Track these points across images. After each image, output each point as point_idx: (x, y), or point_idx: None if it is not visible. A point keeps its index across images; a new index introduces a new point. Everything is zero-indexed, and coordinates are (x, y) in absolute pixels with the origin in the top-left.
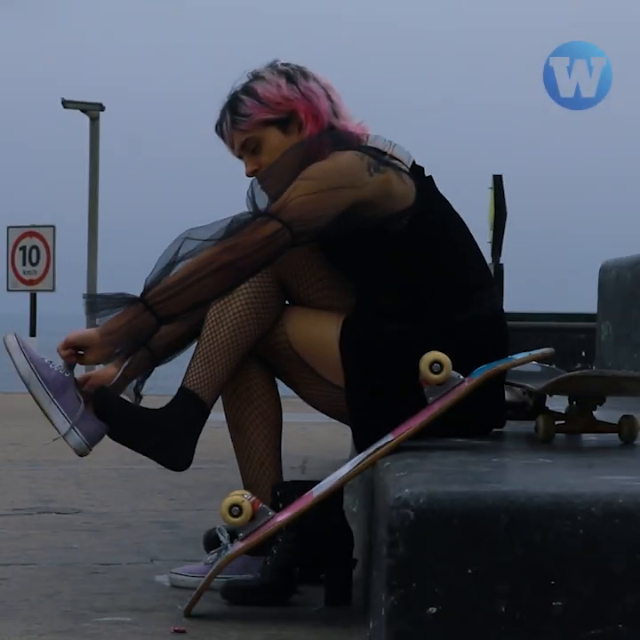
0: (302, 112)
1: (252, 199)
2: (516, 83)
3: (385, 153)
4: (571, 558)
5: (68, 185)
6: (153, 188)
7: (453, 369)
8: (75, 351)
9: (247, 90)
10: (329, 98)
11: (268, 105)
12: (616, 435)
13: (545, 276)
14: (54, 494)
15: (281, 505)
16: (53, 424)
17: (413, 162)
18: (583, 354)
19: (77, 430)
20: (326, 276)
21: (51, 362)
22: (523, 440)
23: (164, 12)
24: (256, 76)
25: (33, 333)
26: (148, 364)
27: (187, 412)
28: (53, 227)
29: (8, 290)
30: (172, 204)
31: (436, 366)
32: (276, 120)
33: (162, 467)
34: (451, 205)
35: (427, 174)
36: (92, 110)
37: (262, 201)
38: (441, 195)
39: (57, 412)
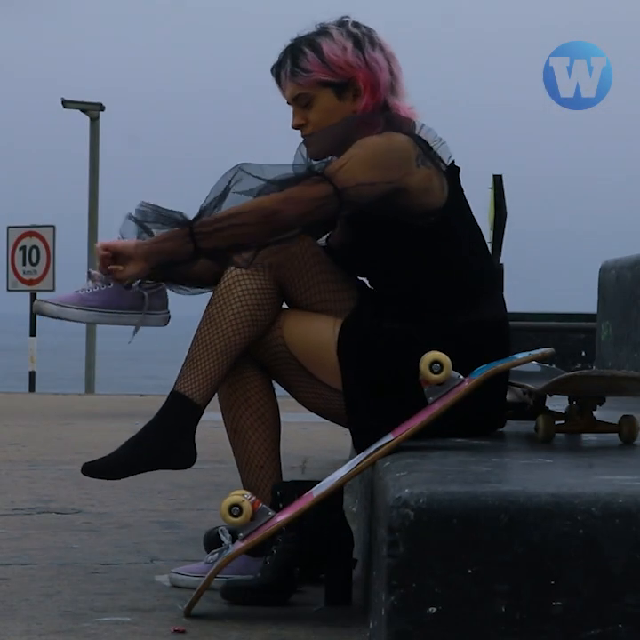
0: (361, 81)
1: (305, 157)
2: (516, 83)
3: (431, 148)
4: (571, 558)
5: (67, 185)
6: (153, 187)
7: (453, 369)
8: (111, 257)
9: (313, 44)
10: (390, 71)
11: (329, 66)
12: (616, 435)
13: (545, 276)
14: (54, 494)
15: (281, 505)
16: (141, 325)
17: (452, 161)
18: (583, 354)
19: (151, 313)
20: (325, 279)
21: (84, 289)
22: (523, 440)
23: (164, 12)
24: (324, 31)
25: (33, 333)
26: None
27: (176, 416)
28: (53, 227)
29: (8, 290)
30: (171, 204)
31: (435, 366)
32: (333, 83)
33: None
34: (471, 211)
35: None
36: (92, 110)
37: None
38: (466, 201)
39: (131, 318)
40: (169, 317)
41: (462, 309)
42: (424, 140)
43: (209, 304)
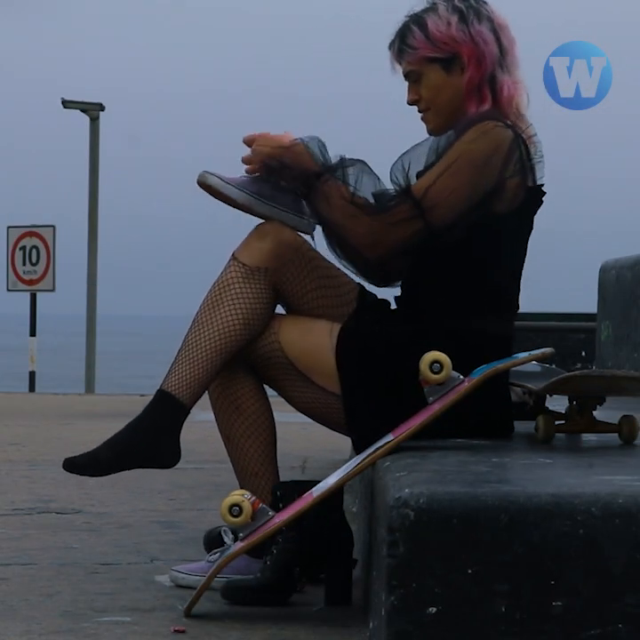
0: (466, 55)
1: (403, 172)
2: None
3: (530, 158)
4: (571, 558)
5: (68, 185)
6: (153, 187)
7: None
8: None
9: (419, 21)
10: (499, 42)
11: (434, 42)
12: (616, 435)
13: (545, 276)
14: (54, 494)
15: (281, 505)
16: (289, 224)
17: (541, 185)
18: (583, 354)
19: (301, 216)
20: (322, 284)
21: (246, 176)
22: (523, 440)
23: (164, 12)
24: (432, 7)
25: (33, 333)
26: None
27: (162, 414)
28: (53, 227)
29: (8, 290)
30: (172, 204)
31: (435, 366)
32: (439, 58)
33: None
34: (528, 235)
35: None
36: (92, 110)
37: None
38: (531, 224)
39: (281, 214)
40: (314, 227)
41: (469, 318)
42: (527, 147)
43: (202, 305)
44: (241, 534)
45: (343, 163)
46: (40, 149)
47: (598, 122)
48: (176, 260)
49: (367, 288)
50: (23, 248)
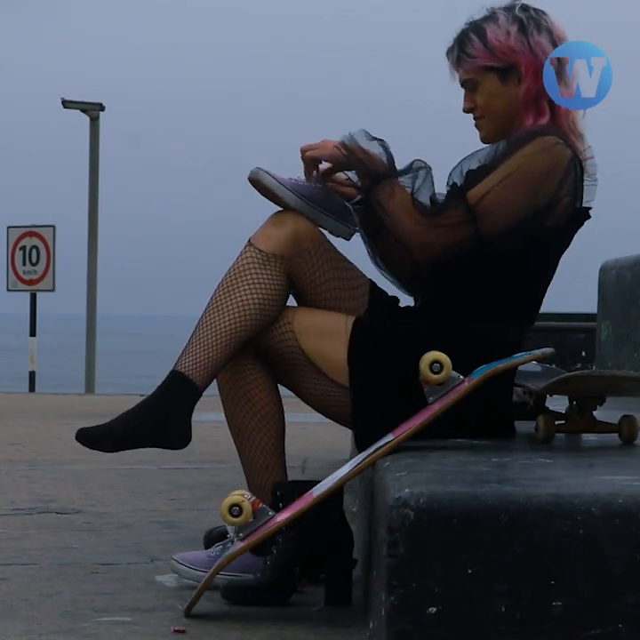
0: (523, 66)
1: (461, 176)
2: None
3: (583, 178)
4: (571, 558)
5: (68, 185)
6: (153, 187)
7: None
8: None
9: (478, 29)
10: None
11: (492, 52)
12: (616, 435)
13: None
14: (54, 494)
15: (281, 505)
16: (331, 231)
17: (588, 208)
18: (583, 354)
19: (345, 223)
20: (336, 276)
21: (297, 179)
22: (523, 440)
23: (164, 12)
24: (492, 16)
25: (33, 333)
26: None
27: (175, 394)
28: (53, 227)
29: (8, 290)
30: (172, 204)
31: (435, 366)
32: (497, 68)
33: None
34: (561, 255)
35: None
36: (92, 110)
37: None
38: (569, 244)
39: (327, 221)
40: (353, 234)
41: (485, 323)
42: (582, 168)
43: (217, 289)
44: (241, 534)
45: (411, 166)
46: (40, 149)
47: (598, 122)
48: (176, 260)
49: (377, 285)
50: (23, 248)
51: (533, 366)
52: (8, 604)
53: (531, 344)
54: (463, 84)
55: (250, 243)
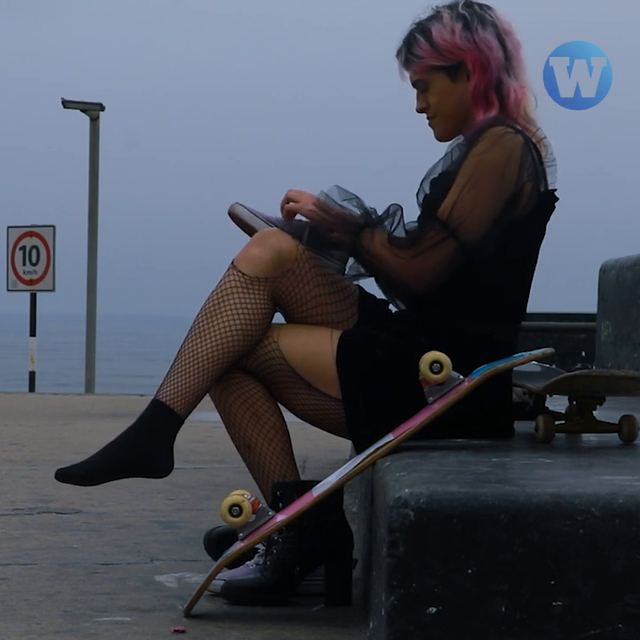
0: (470, 62)
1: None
2: None
3: (542, 162)
4: (571, 558)
5: (68, 185)
6: (153, 187)
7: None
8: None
9: (424, 29)
10: (504, 48)
11: (439, 51)
12: (616, 435)
13: (545, 277)
14: (54, 494)
15: (281, 505)
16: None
17: (553, 189)
18: (583, 354)
19: (328, 257)
20: (322, 292)
21: (276, 218)
22: (523, 440)
23: (164, 13)
24: (436, 15)
25: (33, 333)
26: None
27: (157, 424)
28: (53, 227)
29: (8, 290)
30: (172, 204)
31: (435, 366)
32: (445, 67)
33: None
34: (540, 242)
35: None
36: (92, 110)
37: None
38: (543, 230)
39: (320, 260)
40: (344, 270)
41: (475, 324)
42: (537, 151)
43: (199, 314)
44: (241, 534)
45: (388, 212)
46: (40, 149)
47: (598, 122)
48: (176, 260)
49: (366, 290)
50: (23, 248)
51: (533, 366)
52: (8, 604)
53: (531, 344)
54: (414, 85)
55: (233, 265)
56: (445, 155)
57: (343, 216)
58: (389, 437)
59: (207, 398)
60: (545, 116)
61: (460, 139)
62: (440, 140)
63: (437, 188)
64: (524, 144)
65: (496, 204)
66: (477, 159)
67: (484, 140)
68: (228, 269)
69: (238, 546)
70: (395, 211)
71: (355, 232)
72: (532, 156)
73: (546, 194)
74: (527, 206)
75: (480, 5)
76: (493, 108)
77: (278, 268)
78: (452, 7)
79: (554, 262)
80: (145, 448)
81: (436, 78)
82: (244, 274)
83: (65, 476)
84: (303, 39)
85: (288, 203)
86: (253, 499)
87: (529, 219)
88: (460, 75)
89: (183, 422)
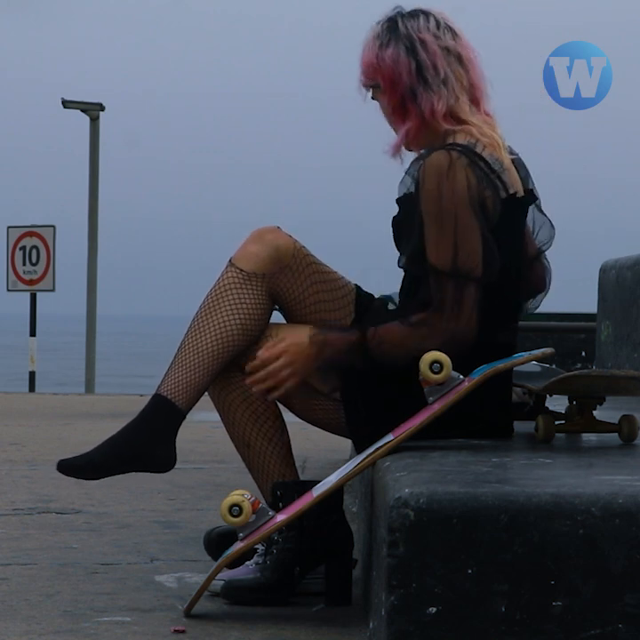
0: (381, 79)
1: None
2: (516, 83)
3: (493, 170)
4: (571, 558)
5: (68, 185)
6: (153, 187)
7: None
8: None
9: (361, 47)
10: (416, 59)
11: (364, 71)
12: (616, 435)
13: None
14: (54, 494)
15: (281, 505)
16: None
17: (514, 193)
18: (583, 354)
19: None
20: (320, 289)
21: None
22: (523, 440)
23: (164, 13)
24: (368, 33)
25: (33, 333)
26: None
27: (159, 418)
28: (53, 227)
29: (8, 290)
30: (172, 205)
31: (435, 366)
32: (372, 85)
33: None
34: (519, 245)
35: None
36: (92, 110)
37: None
38: (518, 233)
39: None
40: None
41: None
42: (484, 160)
43: (199, 310)
44: (241, 534)
45: (381, 303)
46: (40, 149)
47: (598, 122)
48: (176, 260)
49: (363, 288)
50: (23, 248)
51: (533, 366)
52: (8, 604)
53: (531, 344)
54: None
55: (231, 262)
56: (401, 180)
57: (338, 341)
58: (389, 437)
59: (206, 398)
60: (545, 116)
61: (416, 157)
62: (408, 150)
63: (407, 231)
64: (462, 158)
65: (475, 226)
66: (432, 195)
67: (427, 176)
68: (226, 267)
69: (238, 546)
70: (387, 300)
71: (360, 345)
72: (479, 167)
73: (508, 200)
74: (494, 216)
75: (406, 15)
76: (410, 118)
77: (276, 263)
78: (380, 21)
79: (554, 262)
80: (147, 441)
81: (377, 96)
82: (241, 270)
83: (67, 467)
84: (303, 39)
85: (281, 370)
86: (253, 499)
87: (502, 227)
88: (383, 91)
89: (185, 416)
